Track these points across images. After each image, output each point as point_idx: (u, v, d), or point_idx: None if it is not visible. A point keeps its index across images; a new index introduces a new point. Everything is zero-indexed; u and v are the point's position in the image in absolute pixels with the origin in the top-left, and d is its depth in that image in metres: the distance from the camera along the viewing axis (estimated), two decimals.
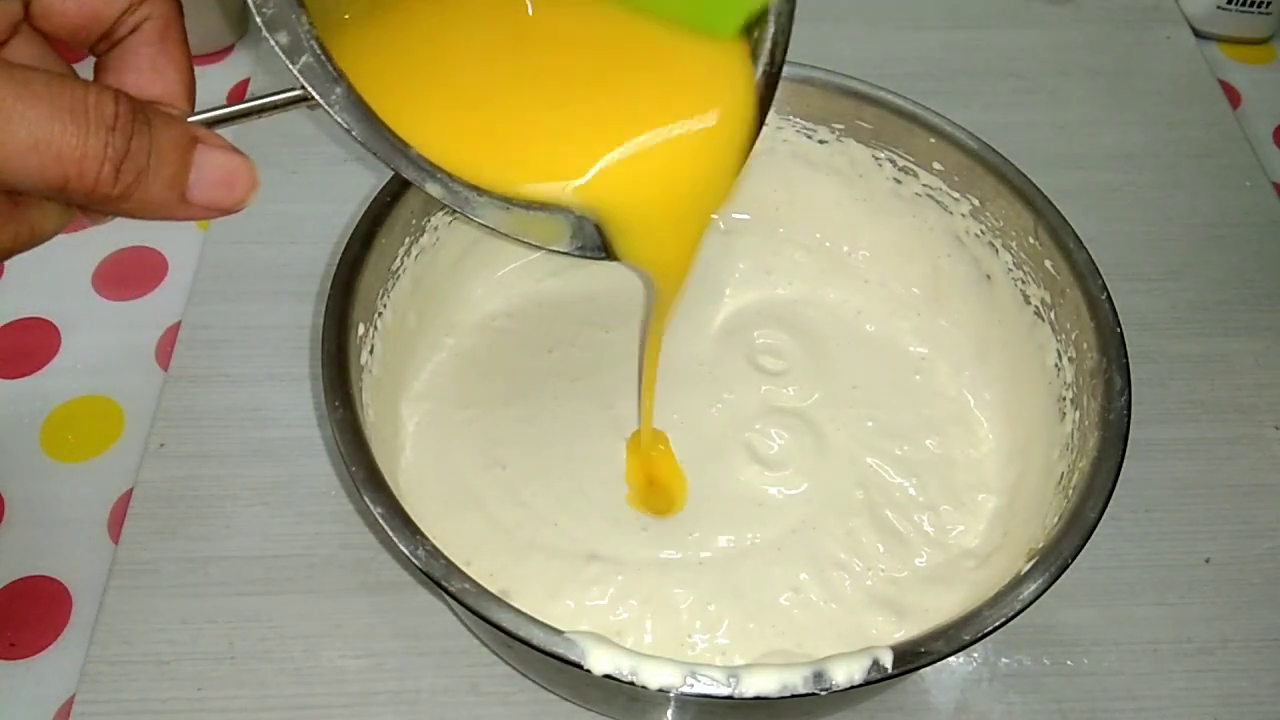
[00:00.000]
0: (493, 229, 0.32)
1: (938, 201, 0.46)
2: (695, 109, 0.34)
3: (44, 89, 0.23)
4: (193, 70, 0.29)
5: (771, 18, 0.34)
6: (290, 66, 0.28)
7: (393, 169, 0.30)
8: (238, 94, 0.60)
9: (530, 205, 0.32)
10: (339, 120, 0.28)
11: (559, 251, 0.34)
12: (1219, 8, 0.65)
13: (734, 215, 0.50)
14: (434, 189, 0.31)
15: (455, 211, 0.32)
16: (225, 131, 0.28)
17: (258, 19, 0.27)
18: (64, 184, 0.24)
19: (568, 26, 0.34)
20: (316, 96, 0.28)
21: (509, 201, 0.32)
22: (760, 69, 0.35)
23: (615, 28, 0.34)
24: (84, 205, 0.25)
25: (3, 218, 0.25)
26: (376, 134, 0.29)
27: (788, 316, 0.48)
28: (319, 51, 0.28)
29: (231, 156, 0.27)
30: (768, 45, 0.34)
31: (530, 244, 0.33)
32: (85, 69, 0.28)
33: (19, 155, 0.23)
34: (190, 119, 0.27)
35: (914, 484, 0.43)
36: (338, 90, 0.28)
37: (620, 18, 0.34)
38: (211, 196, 0.26)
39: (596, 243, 0.34)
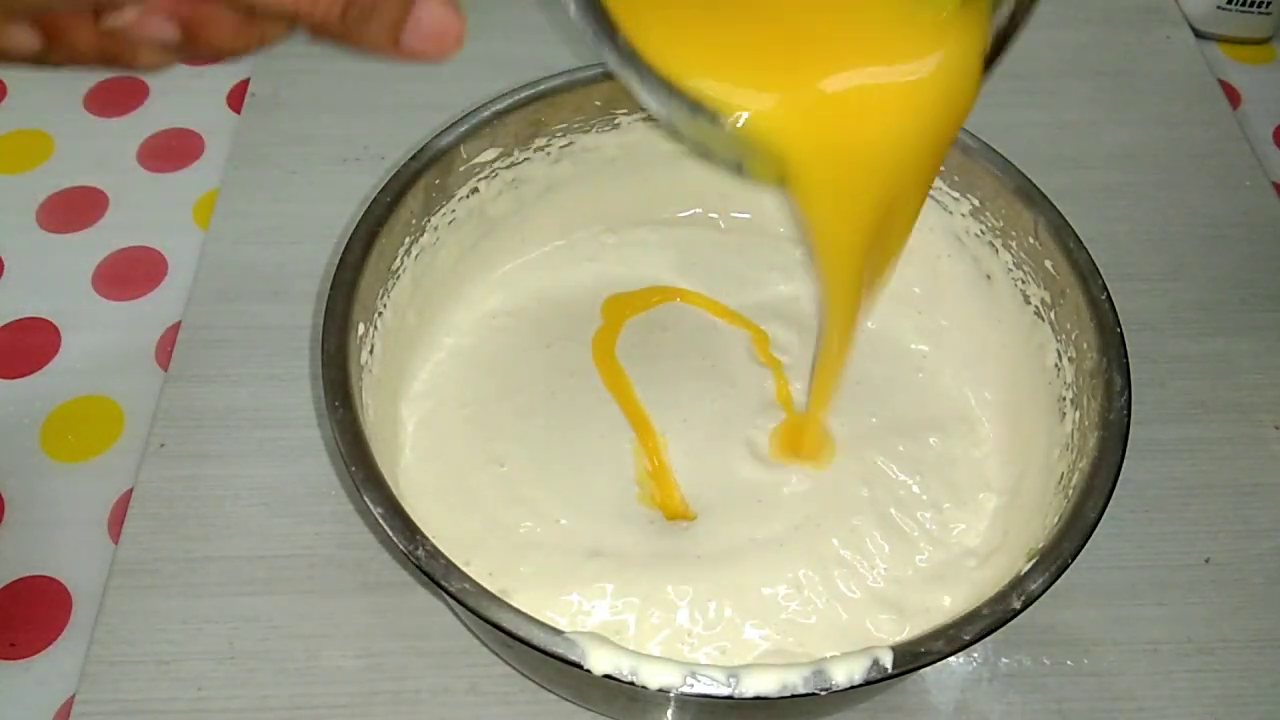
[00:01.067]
0: (685, 138, 0.31)
1: (938, 201, 0.46)
2: (914, 54, 0.31)
3: None
4: None
5: None
6: None
7: (594, 51, 0.30)
8: (238, 94, 0.60)
9: (706, 110, 0.31)
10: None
11: (723, 165, 0.33)
12: (1219, 8, 0.65)
13: (734, 214, 0.50)
14: (629, 80, 0.30)
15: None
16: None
17: None
18: (296, 14, 0.26)
19: None
20: None
21: (698, 109, 0.31)
22: (995, 27, 0.31)
23: None
24: (310, 30, 0.27)
25: (241, 27, 0.27)
26: (590, 12, 0.29)
27: (790, 312, 0.48)
28: None
29: (447, 10, 0.28)
30: (1010, 5, 0.31)
31: (693, 148, 0.32)
32: None
33: None
34: None
35: (916, 481, 0.43)
36: None
37: None
38: (420, 46, 0.28)
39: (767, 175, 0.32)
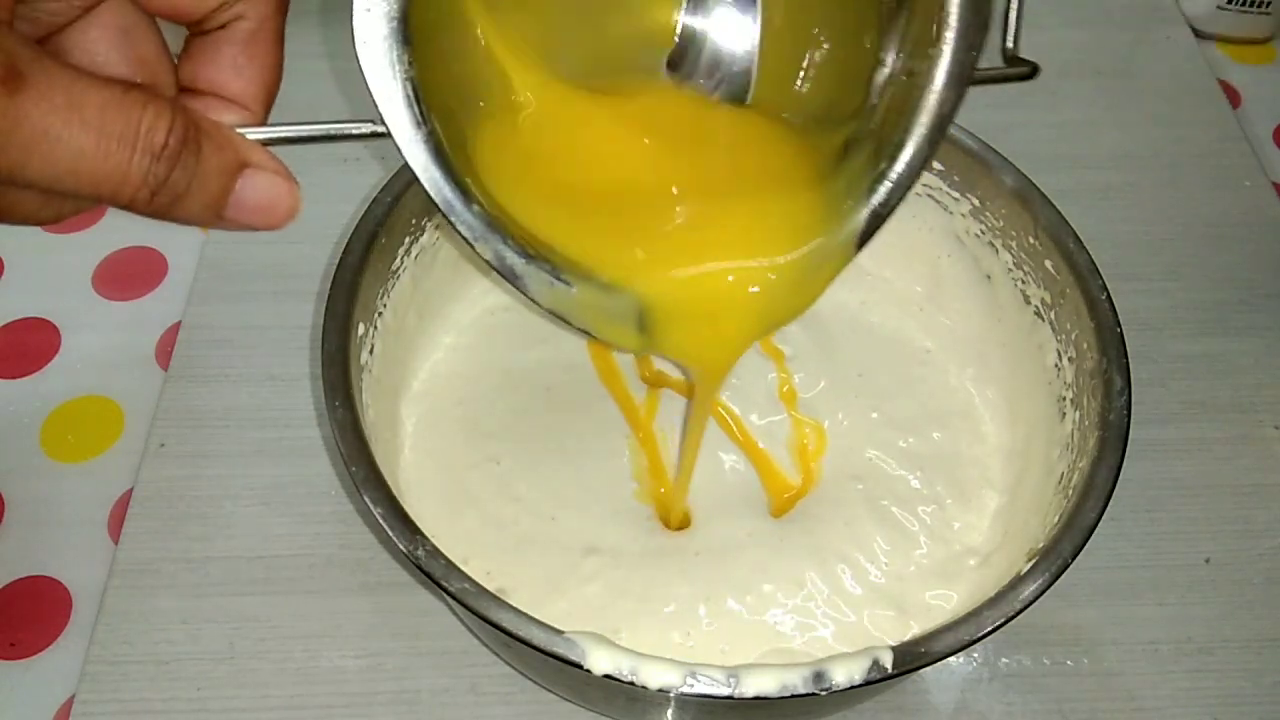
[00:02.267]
0: (540, 306, 0.31)
1: (938, 201, 0.46)
2: (781, 247, 0.33)
3: (96, 115, 0.23)
4: (279, 74, 0.29)
5: (906, 156, 0.31)
6: (378, 105, 0.27)
7: (449, 221, 0.29)
8: None
9: (577, 281, 0.31)
10: (411, 167, 0.28)
11: (585, 332, 0.33)
12: (1219, 8, 0.65)
13: None
14: (484, 250, 0.30)
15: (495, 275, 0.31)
16: None
17: (357, 47, 0.27)
18: (98, 198, 0.24)
19: (693, 123, 0.33)
20: (397, 141, 0.28)
21: (555, 276, 0.31)
22: (869, 208, 0.32)
23: (740, 130, 0.34)
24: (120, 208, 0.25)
25: (47, 202, 0.25)
26: (444, 184, 0.29)
27: None
28: (411, 91, 0.27)
29: (275, 183, 0.27)
30: (886, 186, 0.32)
31: (556, 317, 0.32)
32: None
33: (58, 176, 0.23)
34: (251, 134, 0.27)
35: (918, 477, 0.43)
36: (420, 134, 0.28)
37: (747, 121, 0.34)
38: (246, 220, 0.27)
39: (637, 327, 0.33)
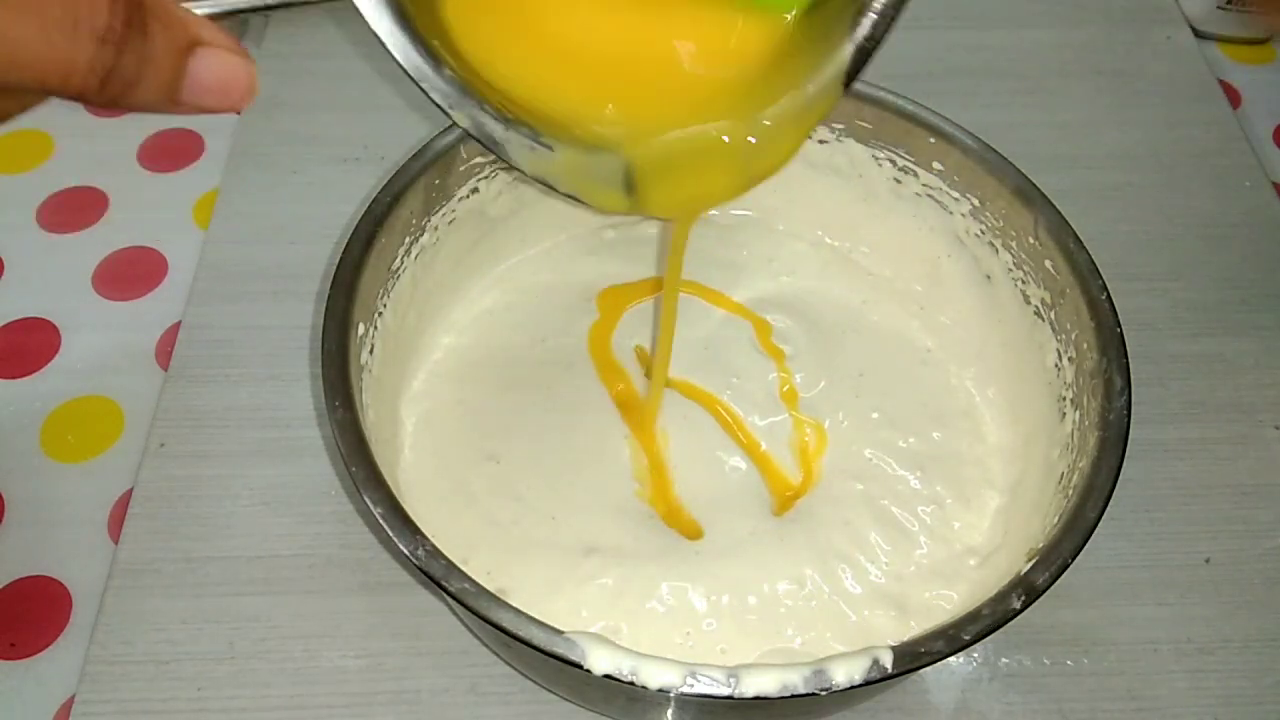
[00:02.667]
0: (524, 173, 0.31)
1: (938, 201, 0.46)
2: (765, 91, 0.32)
3: (33, 0, 0.22)
4: None
5: None
6: None
7: (422, 88, 0.28)
8: None
9: (558, 144, 0.30)
10: (376, 31, 0.26)
11: (568, 195, 0.32)
12: (1219, 8, 0.65)
13: (734, 212, 0.50)
14: (461, 117, 0.29)
15: (505, 168, 0.30)
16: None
17: None
18: (46, 89, 0.23)
19: None
20: (358, 3, 0.26)
21: (536, 139, 0.30)
22: (854, 43, 0.31)
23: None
24: (71, 99, 0.24)
25: None
26: (411, 47, 0.27)
27: (793, 303, 0.48)
28: None
29: (228, 60, 0.25)
30: (870, 18, 0.31)
31: (541, 183, 0.31)
32: None
33: (1, 70, 0.22)
34: (198, 9, 0.25)
35: (918, 476, 0.43)
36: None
37: None
38: (203, 101, 0.25)
39: (619, 185, 0.33)
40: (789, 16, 0.33)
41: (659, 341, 0.42)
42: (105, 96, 0.23)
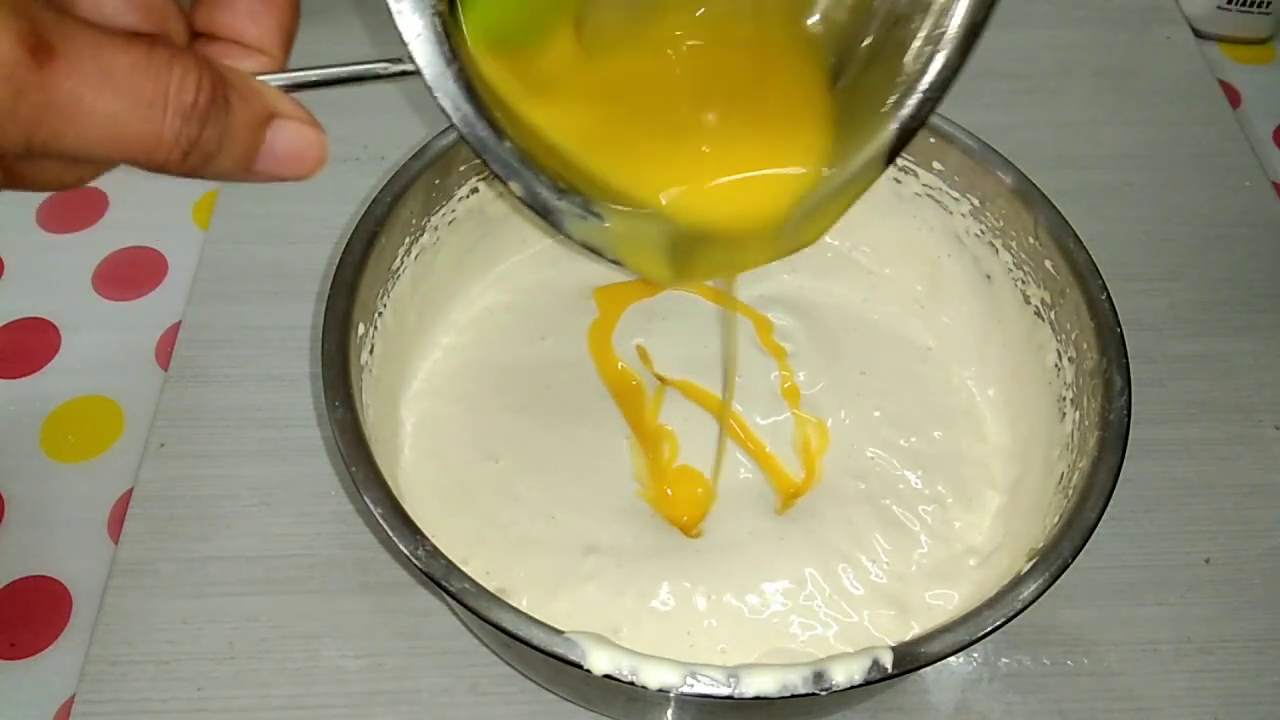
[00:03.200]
0: (573, 239, 0.31)
1: (938, 201, 0.46)
2: (806, 164, 0.32)
3: (126, 79, 0.23)
4: (297, 15, 0.28)
5: (936, 66, 0.31)
6: (405, 40, 0.27)
7: (481, 159, 0.29)
8: None
9: (607, 213, 0.31)
10: (441, 104, 0.27)
11: (613, 260, 0.33)
12: (1219, 8, 0.65)
13: None
14: (517, 187, 0.29)
15: (528, 210, 0.30)
16: None
17: None
18: (131, 162, 0.24)
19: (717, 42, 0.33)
20: (426, 78, 0.27)
21: (587, 209, 0.31)
22: (898, 122, 0.31)
23: (762, 51, 0.33)
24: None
25: (61, 167, 0.25)
26: (476, 120, 0.28)
27: (794, 301, 0.48)
28: (439, 26, 0.27)
29: (304, 132, 0.27)
30: (916, 98, 0.31)
31: (588, 249, 0.32)
32: None
33: (91, 145, 0.23)
34: (274, 80, 0.26)
35: (920, 476, 0.43)
36: (451, 70, 0.27)
37: (767, 39, 0.33)
38: (276, 171, 0.26)
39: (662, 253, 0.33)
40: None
41: (726, 377, 0.43)
42: (186, 168, 0.24)
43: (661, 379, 0.45)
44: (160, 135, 0.23)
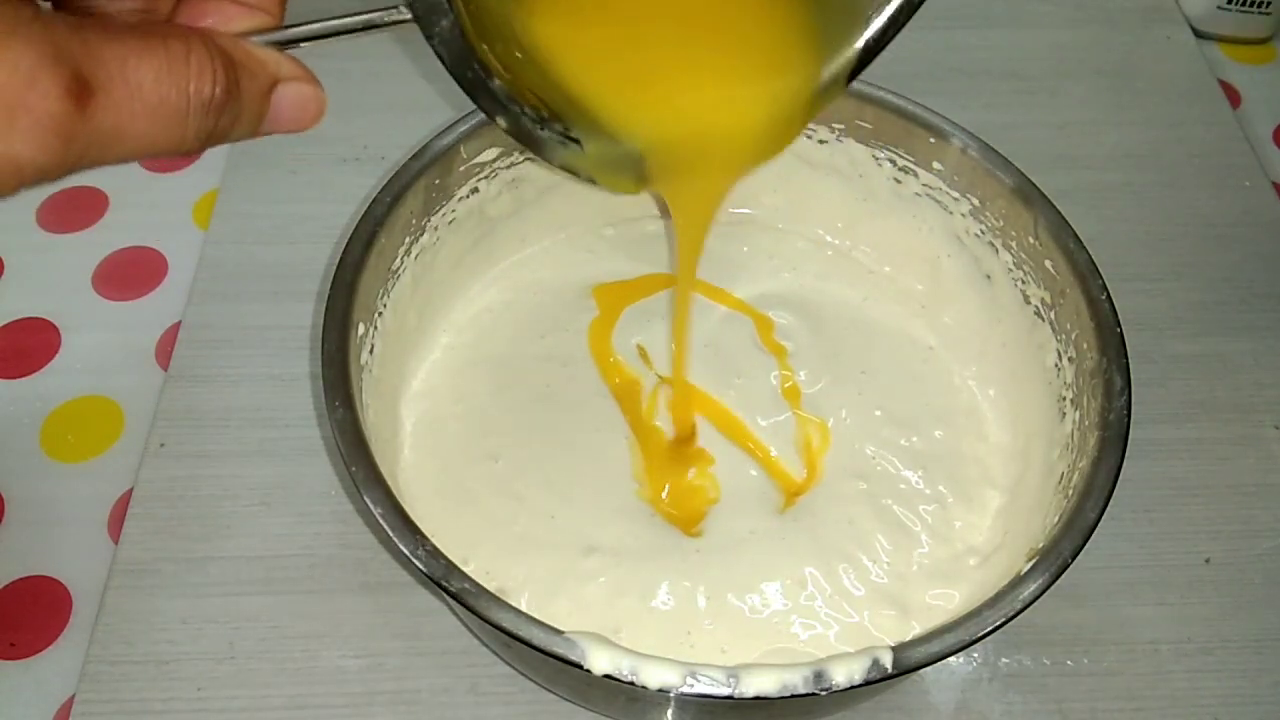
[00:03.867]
0: (552, 165, 0.33)
1: (938, 201, 0.46)
2: (772, 70, 0.34)
3: (154, 93, 0.23)
4: None
5: None
6: None
7: (471, 96, 0.30)
8: None
9: (589, 138, 0.33)
10: (435, 48, 0.28)
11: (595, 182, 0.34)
12: (1219, 8, 0.65)
13: (735, 210, 0.50)
14: (503, 121, 0.31)
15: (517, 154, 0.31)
16: None
17: None
18: (156, 157, 0.25)
19: None
20: (421, 23, 0.28)
21: (566, 136, 0.32)
22: (862, 40, 0.33)
23: None
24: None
25: None
26: (467, 60, 0.29)
27: (795, 299, 0.48)
28: None
29: (303, 89, 0.28)
30: (881, 20, 0.33)
31: (580, 178, 0.34)
32: None
33: (123, 160, 0.24)
34: (272, 38, 0.27)
35: (920, 475, 0.43)
36: (444, 22, 0.28)
37: None
38: (280, 127, 0.28)
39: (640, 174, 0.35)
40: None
41: (675, 342, 0.43)
42: (200, 148, 0.26)
43: (662, 378, 0.45)
44: (185, 136, 0.25)
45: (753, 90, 0.34)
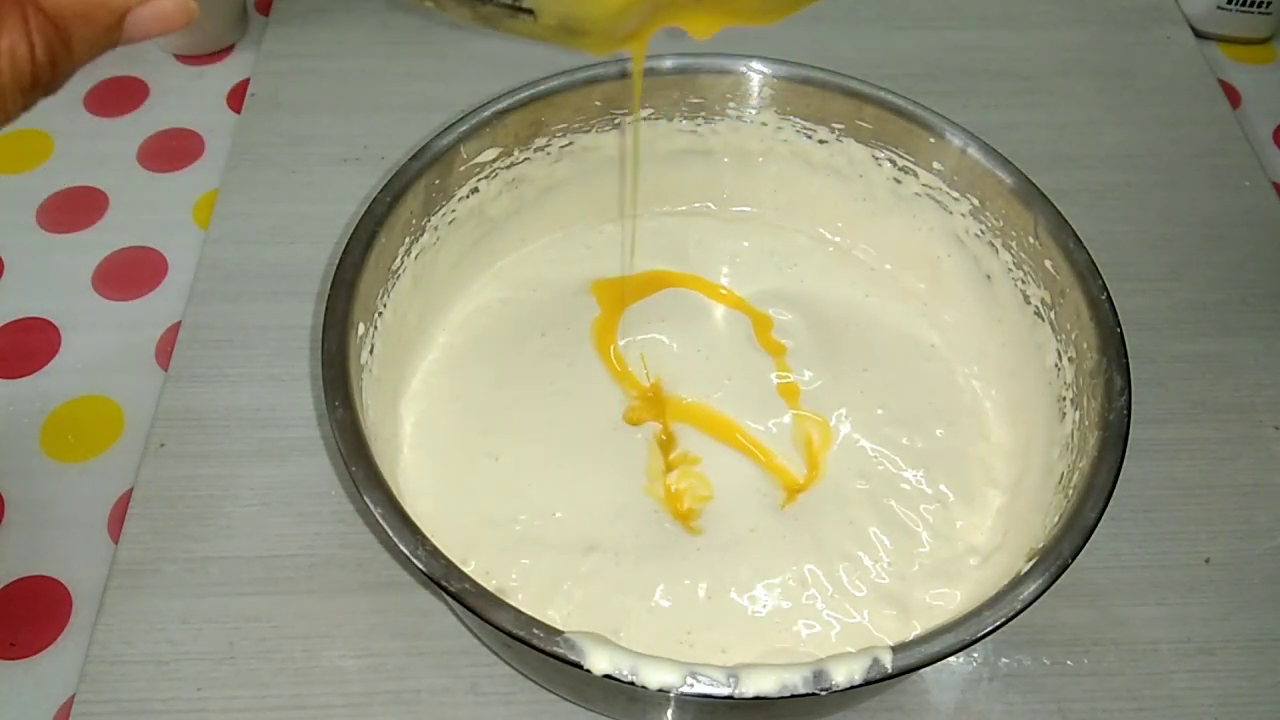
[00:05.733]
0: (495, 30, 0.31)
1: (937, 201, 0.46)
2: None
3: None
4: None
5: None
6: None
7: None
8: (238, 94, 0.60)
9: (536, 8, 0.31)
10: None
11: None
12: (1219, 8, 0.65)
13: (735, 209, 0.50)
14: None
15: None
16: None
17: None
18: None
19: None
20: None
21: (516, 7, 0.31)
22: None
23: None
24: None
25: None
26: None
27: (795, 297, 0.48)
28: None
29: (159, 8, 0.25)
30: None
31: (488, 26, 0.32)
32: None
33: None
34: None
35: (921, 474, 0.43)
36: None
37: None
38: (145, 37, 0.26)
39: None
40: None
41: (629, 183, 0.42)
42: (36, 101, 0.24)
43: (660, 379, 0.45)
44: (6, 111, 0.23)
45: None
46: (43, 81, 0.24)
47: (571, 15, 0.32)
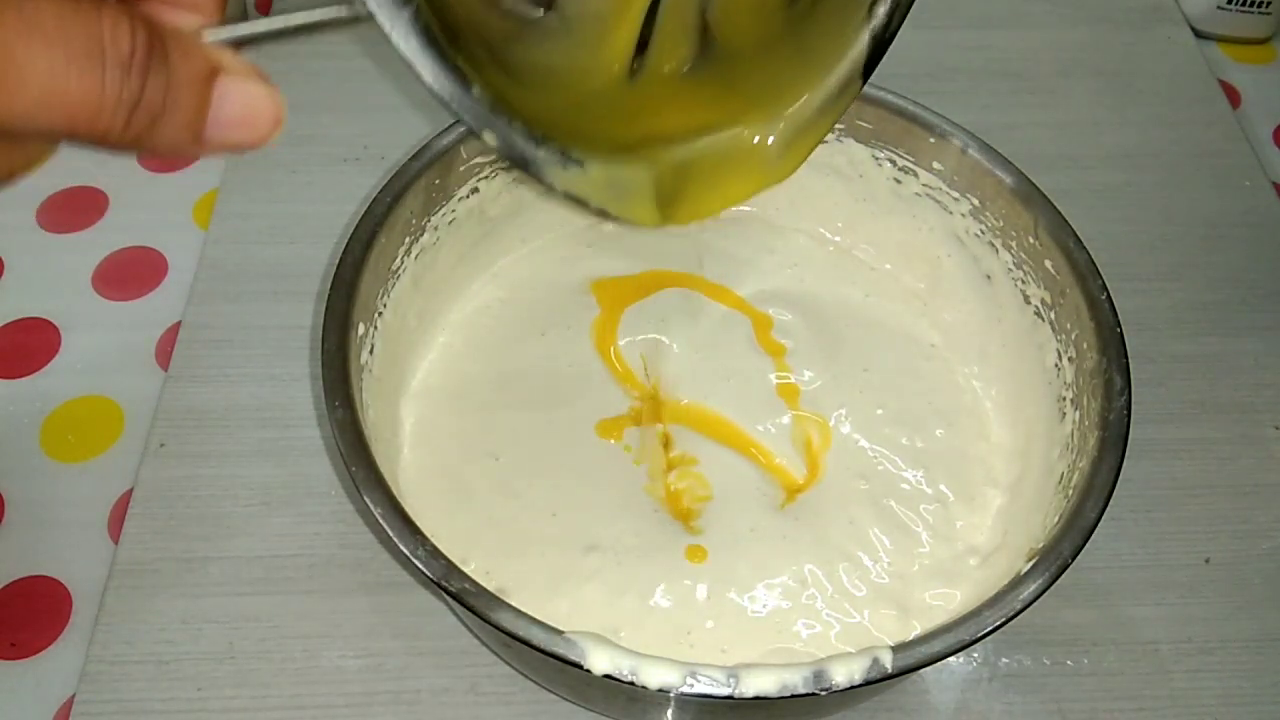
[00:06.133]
0: (555, 191, 0.30)
1: (937, 201, 0.46)
2: (786, 93, 0.33)
3: (56, 27, 0.21)
4: None
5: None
6: None
7: (448, 109, 0.27)
8: None
9: (587, 158, 0.30)
10: (400, 50, 0.25)
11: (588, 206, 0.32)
12: (1219, 8, 0.65)
13: (734, 208, 0.50)
14: (490, 137, 0.28)
15: (506, 169, 0.29)
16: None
17: None
18: (73, 132, 0.22)
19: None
20: (380, 19, 0.24)
21: (566, 156, 0.30)
22: (869, 32, 0.32)
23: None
24: (90, 145, 0.23)
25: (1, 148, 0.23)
26: (440, 68, 0.26)
27: (795, 296, 0.48)
28: None
29: (253, 89, 0.24)
30: (884, 8, 0.32)
31: (572, 201, 0.31)
32: None
33: (29, 112, 0.21)
34: (216, 36, 0.24)
35: (921, 475, 0.43)
36: (406, 12, 0.24)
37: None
38: (229, 137, 0.24)
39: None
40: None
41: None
42: (130, 134, 0.22)
43: (660, 379, 0.45)
44: (102, 92, 0.21)
45: (770, 109, 0.33)
46: (140, 66, 0.22)
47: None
